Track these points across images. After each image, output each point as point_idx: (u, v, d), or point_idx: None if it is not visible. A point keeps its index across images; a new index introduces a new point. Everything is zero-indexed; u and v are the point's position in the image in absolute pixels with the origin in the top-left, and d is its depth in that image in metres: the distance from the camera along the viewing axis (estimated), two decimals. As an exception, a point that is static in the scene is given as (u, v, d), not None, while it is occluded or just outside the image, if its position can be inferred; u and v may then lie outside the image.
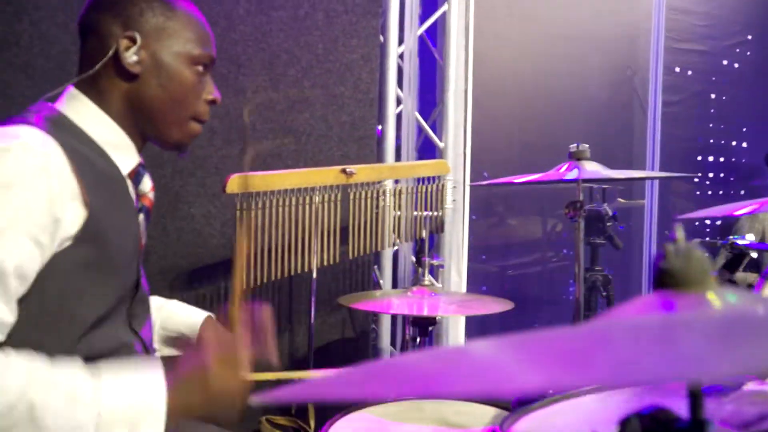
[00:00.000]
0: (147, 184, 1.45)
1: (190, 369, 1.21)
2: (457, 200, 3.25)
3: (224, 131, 2.52)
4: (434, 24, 3.26)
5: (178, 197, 2.48)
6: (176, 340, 1.62)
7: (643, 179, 3.76)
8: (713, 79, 4.11)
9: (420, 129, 3.25)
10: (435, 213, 2.54)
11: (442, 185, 2.50)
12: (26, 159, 1.16)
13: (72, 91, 1.34)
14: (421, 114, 3.25)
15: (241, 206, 2.10)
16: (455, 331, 3.21)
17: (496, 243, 3.69)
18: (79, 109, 1.33)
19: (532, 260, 3.82)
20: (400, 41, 3.07)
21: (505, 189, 3.67)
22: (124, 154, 1.36)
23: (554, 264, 3.82)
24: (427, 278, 2.16)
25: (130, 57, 1.31)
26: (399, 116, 3.12)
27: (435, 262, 2.14)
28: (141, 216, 1.44)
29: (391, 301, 2.10)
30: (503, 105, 3.76)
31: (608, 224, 3.10)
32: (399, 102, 3.11)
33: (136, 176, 1.41)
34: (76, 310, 1.24)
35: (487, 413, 1.83)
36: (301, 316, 2.67)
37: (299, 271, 2.26)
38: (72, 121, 1.31)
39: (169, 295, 2.41)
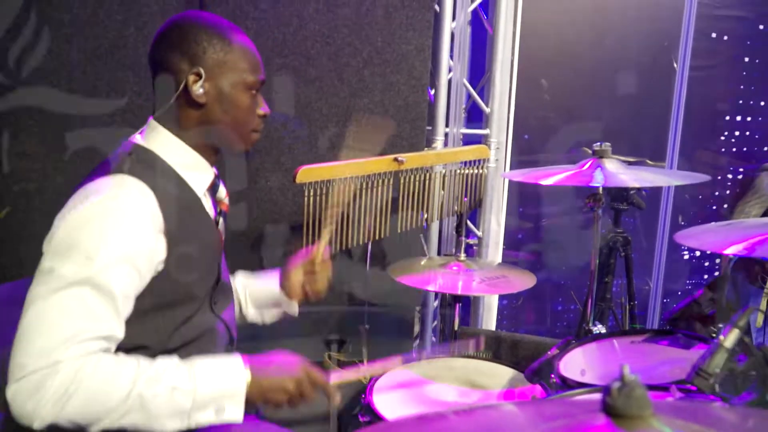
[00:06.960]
0: (222, 192, 1.53)
1: (275, 360, 1.33)
2: (500, 160, 3.36)
3: (296, 116, 2.61)
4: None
5: (258, 172, 2.61)
6: (267, 308, 1.75)
7: (659, 187, 3.68)
8: (748, 43, 3.90)
9: (468, 95, 3.25)
10: (475, 192, 2.58)
11: (482, 172, 2.56)
12: (130, 205, 1.27)
13: (151, 123, 1.42)
14: (471, 82, 3.22)
15: (308, 192, 2.14)
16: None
17: (532, 192, 3.73)
18: (158, 138, 1.40)
19: (563, 210, 3.87)
20: (455, 14, 2.99)
21: (541, 146, 3.68)
22: (199, 172, 1.43)
23: (584, 215, 3.82)
24: (463, 255, 2.31)
25: (197, 90, 1.36)
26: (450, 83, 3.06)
27: (471, 242, 2.28)
28: (220, 220, 1.52)
29: (429, 277, 2.18)
30: (546, 75, 3.71)
31: (632, 191, 3.01)
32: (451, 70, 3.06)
33: (212, 188, 1.48)
34: (170, 314, 1.36)
35: (506, 374, 1.95)
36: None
37: (358, 243, 2.30)
38: (153, 152, 1.38)
39: (251, 251, 2.67)
